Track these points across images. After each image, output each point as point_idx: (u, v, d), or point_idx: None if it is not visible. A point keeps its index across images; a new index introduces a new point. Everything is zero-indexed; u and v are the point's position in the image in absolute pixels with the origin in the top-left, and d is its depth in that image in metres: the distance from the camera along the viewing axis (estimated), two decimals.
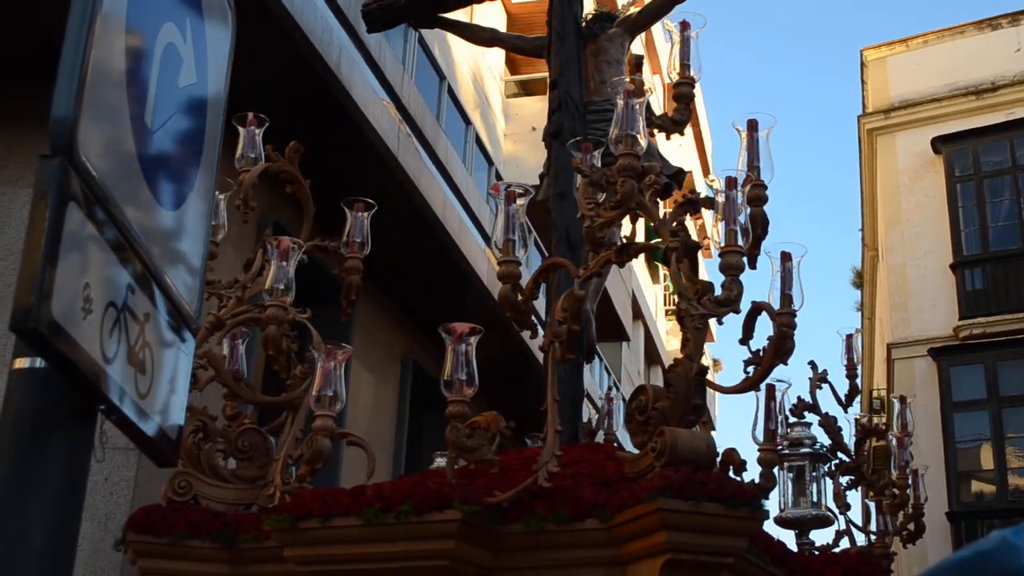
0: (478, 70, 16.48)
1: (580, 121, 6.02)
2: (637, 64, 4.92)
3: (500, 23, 17.75)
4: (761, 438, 5.07)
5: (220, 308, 4.77)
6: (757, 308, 4.06)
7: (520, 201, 4.08)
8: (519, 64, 20.70)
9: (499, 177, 14.35)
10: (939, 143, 15.74)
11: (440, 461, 6.04)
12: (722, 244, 3.95)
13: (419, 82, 11.09)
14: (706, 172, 32.89)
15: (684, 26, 4.54)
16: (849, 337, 6.09)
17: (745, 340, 4.17)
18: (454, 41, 13.07)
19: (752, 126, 4.37)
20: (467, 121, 13.44)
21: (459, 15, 7.65)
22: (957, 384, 14.50)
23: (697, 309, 3.75)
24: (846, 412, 6.00)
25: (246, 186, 4.74)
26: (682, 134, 4.68)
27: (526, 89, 21.38)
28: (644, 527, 3.59)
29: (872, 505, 6.09)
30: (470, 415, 3.93)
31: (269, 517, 4.01)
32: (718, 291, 3.93)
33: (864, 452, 6.14)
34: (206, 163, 2.28)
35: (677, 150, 27.67)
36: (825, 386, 5.90)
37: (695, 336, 3.76)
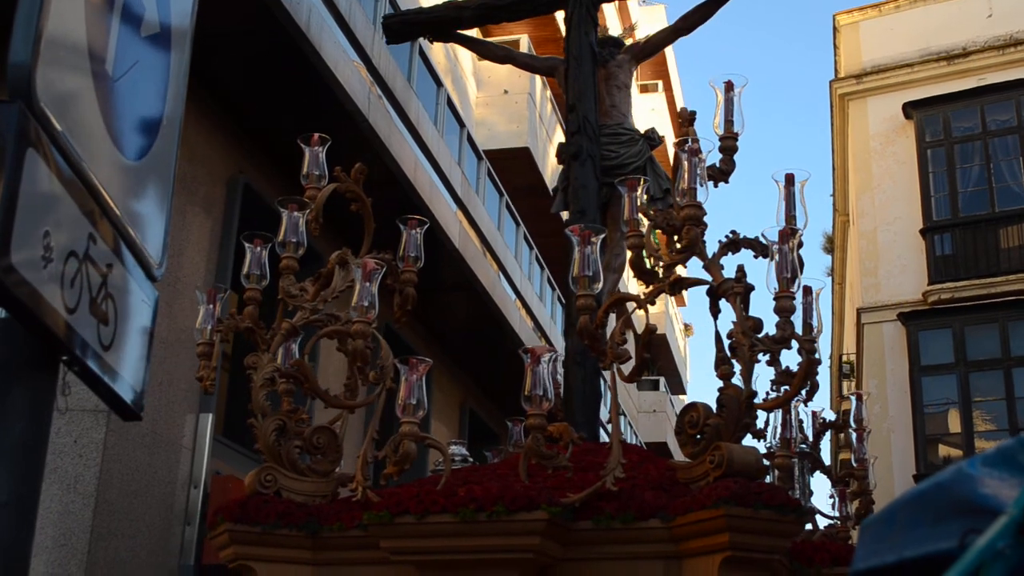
0: None
1: (596, 143, 6.66)
2: (690, 119, 5.38)
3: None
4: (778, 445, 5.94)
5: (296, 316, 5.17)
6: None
7: (595, 240, 4.57)
8: (491, 27, 20.57)
9: (471, 140, 14.29)
10: (910, 108, 15.77)
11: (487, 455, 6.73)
12: (776, 290, 4.52)
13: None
14: (678, 133, 32.89)
15: (729, 86, 5.05)
16: None
17: (772, 362, 4.69)
18: (426, 1, 12.98)
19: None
20: (438, 83, 13.35)
21: (474, 32, 7.89)
22: (925, 348, 14.61)
23: (755, 344, 4.39)
24: (806, 406, 6.44)
25: (318, 204, 5.22)
26: (727, 182, 5.22)
27: None
28: (707, 529, 4.16)
29: (835, 492, 6.65)
30: (546, 426, 4.43)
31: (368, 512, 4.47)
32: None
33: (820, 444, 6.62)
34: (169, 113, 2.25)
35: (650, 113, 27.67)
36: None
37: (747, 367, 4.40)
